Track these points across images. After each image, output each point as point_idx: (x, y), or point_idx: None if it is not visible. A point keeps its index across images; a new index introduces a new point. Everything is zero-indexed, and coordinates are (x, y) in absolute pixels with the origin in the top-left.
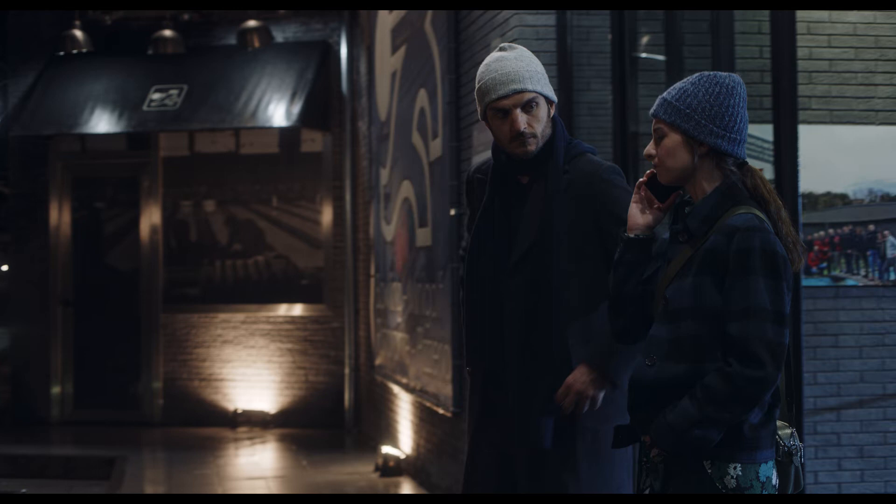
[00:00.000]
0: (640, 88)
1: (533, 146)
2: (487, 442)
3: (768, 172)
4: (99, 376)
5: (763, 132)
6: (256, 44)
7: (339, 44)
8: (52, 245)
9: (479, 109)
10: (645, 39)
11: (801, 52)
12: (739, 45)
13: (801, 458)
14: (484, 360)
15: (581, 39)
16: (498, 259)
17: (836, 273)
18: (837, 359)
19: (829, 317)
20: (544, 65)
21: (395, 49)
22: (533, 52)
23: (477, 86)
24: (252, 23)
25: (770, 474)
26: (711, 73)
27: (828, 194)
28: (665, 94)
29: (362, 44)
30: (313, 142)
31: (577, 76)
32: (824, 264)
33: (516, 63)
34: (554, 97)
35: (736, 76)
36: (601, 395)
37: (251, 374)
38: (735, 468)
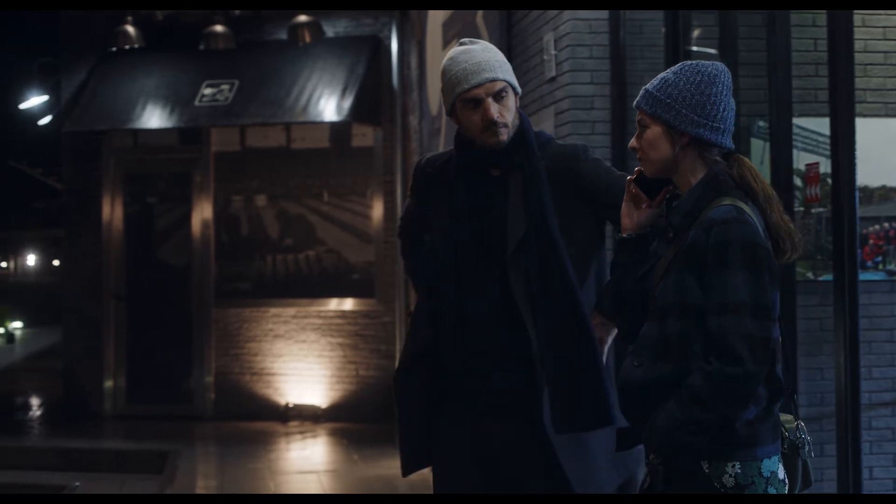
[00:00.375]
0: None
1: (505, 136)
2: (474, 439)
3: (825, 166)
4: (151, 371)
5: (819, 126)
6: (307, 39)
7: (389, 38)
8: (105, 240)
9: (445, 105)
10: (697, 32)
11: (856, 45)
12: (794, 37)
13: (808, 451)
14: (473, 357)
15: (634, 33)
16: (488, 252)
17: (892, 267)
18: (893, 353)
19: (885, 311)
20: (597, 58)
21: (446, 43)
22: (586, 45)
23: (444, 80)
24: (303, 18)
25: (775, 469)
26: (694, 62)
27: (883, 188)
28: (648, 84)
29: (413, 38)
30: (364, 136)
31: (630, 69)
32: (879, 258)
33: (484, 53)
34: (519, 88)
35: (720, 64)
36: (610, 337)
37: (302, 369)
38: (733, 466)
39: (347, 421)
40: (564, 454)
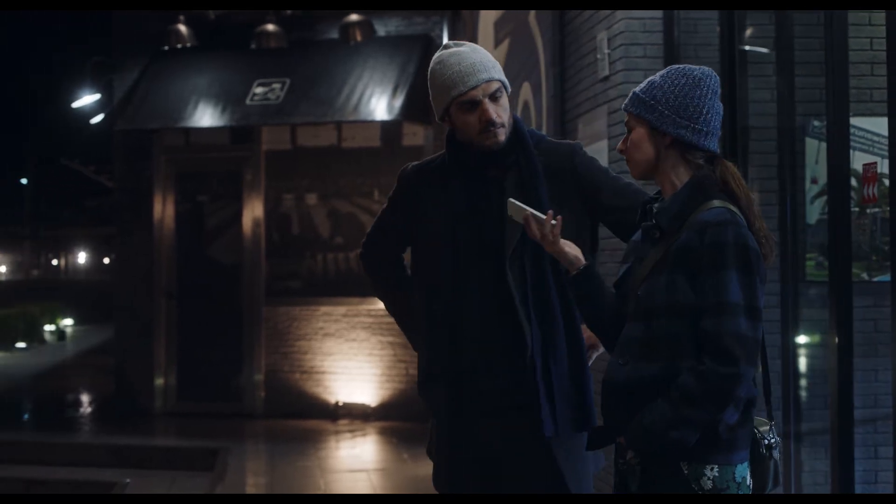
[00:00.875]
0: (750, 81)
1: (502, 136)
2: (474, 440)
3: (881, 166)
4: (202, 368)
5: (875, 125)
6: (358, 38)
7: (440, 37)
8: (156, 238)
9: (437, 110)
10: (748, 31)
11: None
12: (850, 36)
13: (779, 451)
14: (464, 358)
15: (689, 32)
16: (487, 253)
17: None
18: None
19: None
20: (651, 57)
21: (498, 42)
22: (640, 44)
23: (435, 84)
24: (354, 17)
25: (745, 474)
26: (682, 66)
27: None
28: (636, 87)
29: (464, 37)
30: (415, 135)
31: None
32: None
33: (474, 55)
34: (509, 87)
35: (708, 69)
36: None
37: (352, 367)
38: (712, 469)
39: (397, 420)
40: (560, 455)
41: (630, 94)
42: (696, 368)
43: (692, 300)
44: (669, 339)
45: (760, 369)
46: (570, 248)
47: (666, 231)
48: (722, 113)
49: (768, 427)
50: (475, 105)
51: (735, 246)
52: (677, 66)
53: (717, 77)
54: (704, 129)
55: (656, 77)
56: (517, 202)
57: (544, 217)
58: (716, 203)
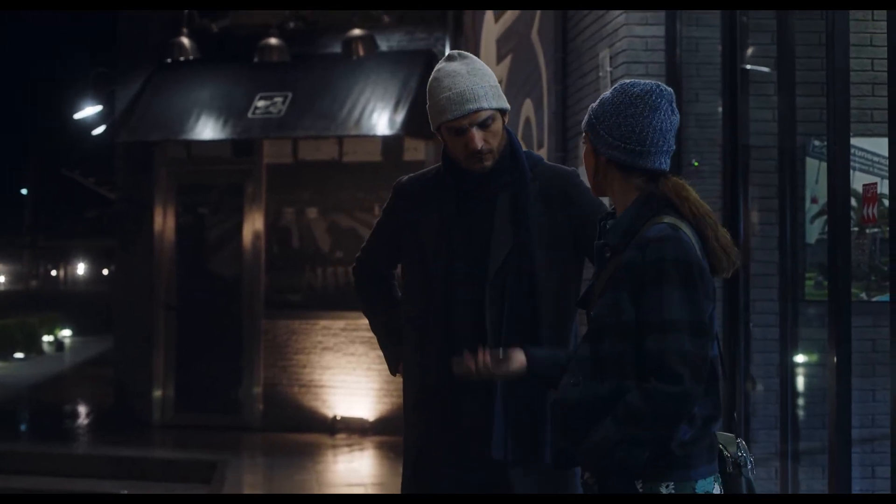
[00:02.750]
0: (751, 100)
1: (489, 161)
2: (452, 457)
3: (881, 186)
4: (200, 380)
5: (876, 146)
6: (361, 52)
7: (443, 52)
8: (157, 250)
9: (431, 124)
10: (751, 51)
11: None
12: (852, 56)
13: (751, 469)
14: (449, 375)
15: (690, 50)
16: (473, 269)
17: None
18: None
19: None
20: (653, 75)
21: (500, 59)
22: (642, 62)
23: (430, 100)
24: (357, 31)
25: (710, 489)
26: (631, 81)
27: None
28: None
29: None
30: (416, 150)
31: (686, 87)
32: None
33: (470, 79)
34: (507, 107)
35: (654, 84)
36: None
37: (350, 382)
38: (668, 486)
39: (395, 434)
40: (515, 481)
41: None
42: (641, 387)
43: (634, 318)
44: (616, 359)
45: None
46: (510, 365)
47: (615, 249)
48: (671, 127)
49: (735, 445)
50: (461, 132)
51: (675, 262)
52: (626, 82)
53: (664, 90)
54: (638, 148)
55: (607, 93)
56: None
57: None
58: (663, 219)
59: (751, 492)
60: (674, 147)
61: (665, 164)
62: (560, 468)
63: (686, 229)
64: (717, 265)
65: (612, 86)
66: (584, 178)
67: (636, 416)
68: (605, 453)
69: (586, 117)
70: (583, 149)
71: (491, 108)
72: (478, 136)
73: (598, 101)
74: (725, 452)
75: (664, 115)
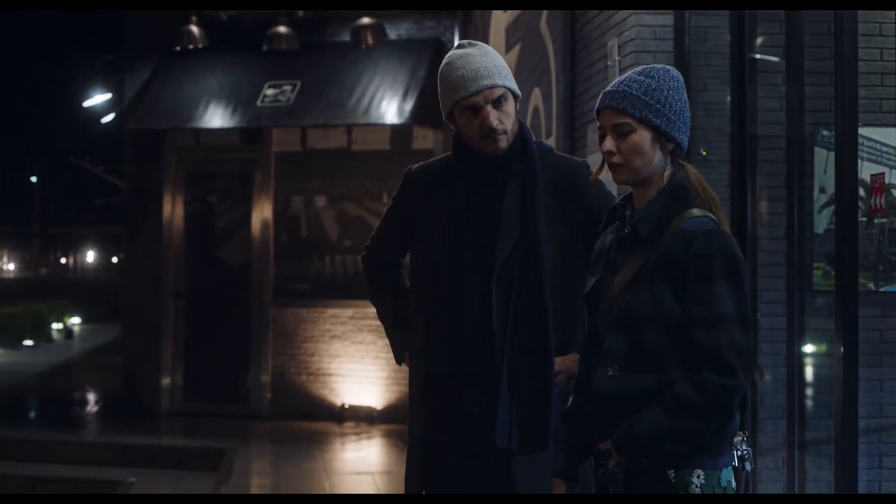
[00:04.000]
0: (759, 90)
1: (504, 142)
2: (458, 446)
3: (889, 177)
4: (209, 369)
5: (884, 136)
6: (370, 41)
7: (452, 41)
8: (165, 238)
9: (443, 110)
10: (759, 40)
11: None
12: (860, 47)
13: (751, 463)
14: (456, 363)
15: (699, 40)
16: (480, 258)
17: None
18: None
19: None
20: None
21: (509, 48)
22: (650, 51)
23: (441, 85)
24: (366, 20)
25: (730, 478)
26: (659, 65)
27: None
28: (619, 87)
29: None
30: (424, 139)
31: (695, 76)
32: None
33: (482, 58)
34: (519, 92)
35: (672, 68)
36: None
37: (359, 370)
38: (698, 476)
39: (402, 423)
40: (520, 475)
41: (618, 94)
42: (694, 379)
43: (677, 311)
44: (657, 350)
45: None
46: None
47: (645, 240)
48: None
49: (741, 438)
50: (477, 110)
51: (723, 256)
52: (657, 66)
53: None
54: (688, 134)
55: (644, 78)
56: None
57: None
58: (695, 212)
59: (748, 485)
60: None
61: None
62: (574, 462)
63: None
64: None
65: (620, 75)
66: (595, 168)
67: (688, 407)
68: (649, 444)
69: (636, 102)
70: (592, 139)
71: (504, 87)
72: (492, 114)
73: (638, 84)
74: (734, 445)
75: None
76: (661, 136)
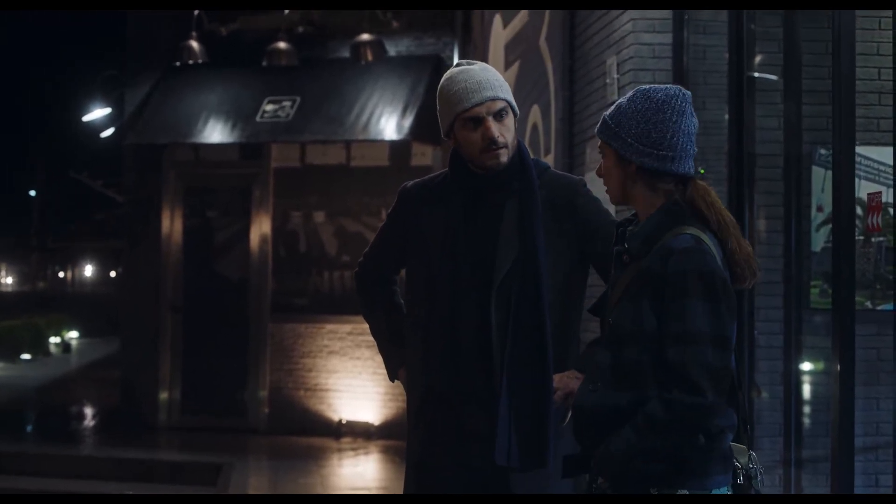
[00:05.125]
0: (758, 108)
1: (504, 157)
2: (455, 461)
3: (887, 196)
4: (206, 383)
5: (881, 155)
6: (369, 57)
7: (451, 58)
8: (164, 252)
9: (442, 126)
10: (758, 59)
11: None
12: (858, 66)
13: (760, 481)
14: (454, 377)
15: (697, 58)
16: (478, 272)
17: None
18: None
19: None
20: (660, 83)
21: (508, 65)
22: (649, 69)
23: (441, 99)
24: (365, 36)
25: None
26: (648, 87)
27: None
28: (606, 111)
29: (475, 59)
30: (423, 155)
31: (693, 95)
32: None
33: (483, 73)
34: (518, 110)
35: (675, 89)
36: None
37: (356, 386)
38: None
39: (400, 439)
40: (516, 484)
41: (602, 119)
42: (663, 397)
43: (655, 327)
44: (636, 367)
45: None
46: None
47: (635, 255)
48: (695, 130)
49: (746, 457)
50: (478, 122)
51: (699, 274)
52: (643, 87)
53: (686, 94)
54: (670, 153)
55: (623, 101)
56: None
57: None
58: (686, 230)
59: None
60: (696, 150)
61: (692, 168)
62: (568, 476)
63: (708, 241)
64: (739, 275)
65: (619, 93)
66: (593, 187)
67: (655, 427)
68: (622, 462)
69: (604, 127)
70: (591, 157)
71: (506, 101)
72: (494, 126)
73: (613, 109)
74: (736, 463)
75: (689, 118)
76: (621, 159)
